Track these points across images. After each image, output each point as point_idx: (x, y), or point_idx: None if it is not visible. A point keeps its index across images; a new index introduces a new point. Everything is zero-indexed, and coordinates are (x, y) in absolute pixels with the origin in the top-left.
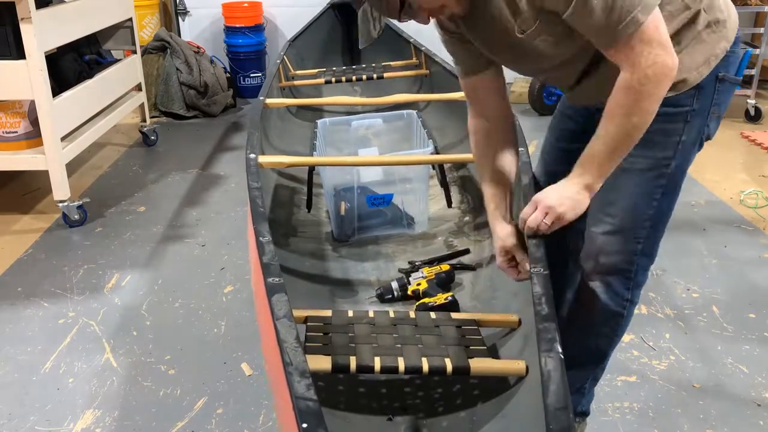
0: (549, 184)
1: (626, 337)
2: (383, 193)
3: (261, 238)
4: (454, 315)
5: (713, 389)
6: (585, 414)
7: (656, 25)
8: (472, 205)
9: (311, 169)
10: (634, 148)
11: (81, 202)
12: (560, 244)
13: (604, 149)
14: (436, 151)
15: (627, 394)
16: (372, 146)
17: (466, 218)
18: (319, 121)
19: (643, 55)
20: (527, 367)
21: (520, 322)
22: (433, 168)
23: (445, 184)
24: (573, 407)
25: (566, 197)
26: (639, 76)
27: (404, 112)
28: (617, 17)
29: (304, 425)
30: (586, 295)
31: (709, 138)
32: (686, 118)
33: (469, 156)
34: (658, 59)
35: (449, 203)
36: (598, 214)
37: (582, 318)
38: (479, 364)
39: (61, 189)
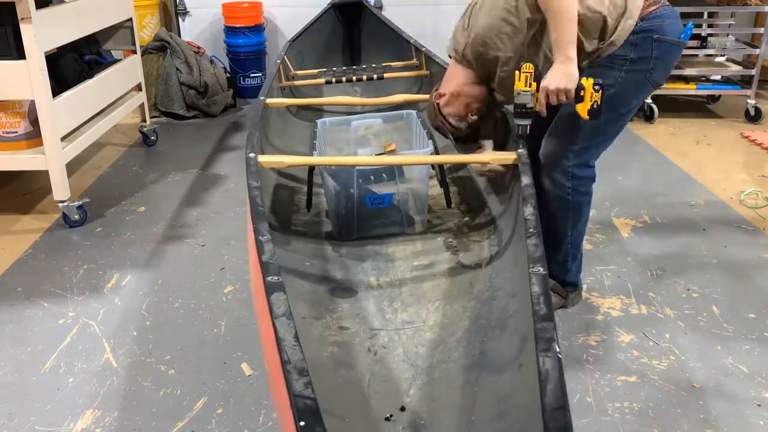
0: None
1: (626, 337)
2: (383, 194)
3: (260, 237)
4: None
5: (713, 389)
6: (575, 285)
7: None
8: (472, 206)
9: (311, 168)
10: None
11: (81, 202)
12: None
13: (555, 32)
14: (436, 151)
15: (627, 394)
16: (372, 146)
17: (466, 219)
18: (318, 121)
19: None
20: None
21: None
22: (433, 168)
23: (444, 184)
24: (561, 279)
25: (558, 74)
26: None
27: (404, 112)
28: None
29: (302, 423)
30: (542, 189)
31: (657, 84)
32: (624, 63)
33: (468, 157)
34: None
35: (449, 203)
36: (551, 130)
37: (542, 209)
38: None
39: (61, 189)
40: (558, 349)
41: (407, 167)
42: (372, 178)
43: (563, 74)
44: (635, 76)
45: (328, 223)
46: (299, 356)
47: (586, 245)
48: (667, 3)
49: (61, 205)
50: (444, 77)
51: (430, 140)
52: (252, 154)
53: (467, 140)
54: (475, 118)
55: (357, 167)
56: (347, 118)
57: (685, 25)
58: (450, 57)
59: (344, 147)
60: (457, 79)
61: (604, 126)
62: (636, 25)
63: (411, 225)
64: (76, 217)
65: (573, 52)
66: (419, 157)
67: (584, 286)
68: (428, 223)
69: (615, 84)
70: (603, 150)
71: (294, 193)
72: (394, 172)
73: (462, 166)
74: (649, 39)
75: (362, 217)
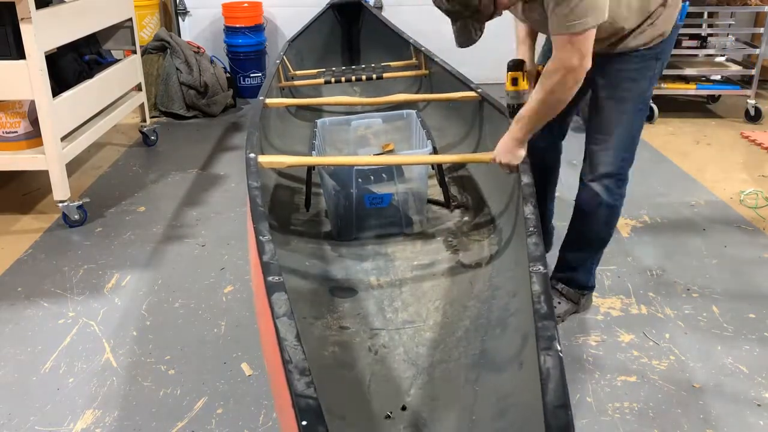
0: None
1: (626, 337)
2: (381, 193)
3: (261, 237)
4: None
5: (713, 389)
6: (593, 288)
7: (588, 38)
8: (472, 205)
9: (310, 168)
10: (624, 82)
11: (81, 202)
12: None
13: (530, 113)
14: (435, 151)
15: (627, 394)
16: (371, 146)
17: (465, 218)
18: (318, 121)
19: (566, 53)
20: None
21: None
22: (432, 168)
23: (443, 184)
24: (584, 284)
25: (502, 149)
26: (557, 66)
27: (404, 111)
28: (571, 17)
29: (304, 422)
30: (589, 196)
31: (650, 114)
32: (657, 57)
33: (468, 156)
34: (574, 62)
35: (448, 203)
36: (597, 136)
37: (587, 213)
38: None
39: (61, 189)
40: (559, 348)
41: (406, 167)
42: (371, 177)
43: (511, 153)
44: (659, 71)
45: (328, 223)
46: (301, 356)
47: None
48: None
49: (61, 205)
50: None
51: (429, 140)
52: (252, 155)
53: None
54: None
55: (356, 167)
56: (347, 118)
57: (683, 5)
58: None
59: (344, 147)
60: None
61: (637, 126)
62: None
63: (410, 225)
64: (76, 217)
65: (527, 137)
66: (418, 156)
67: None
68: (427, 223)
69: (648, 86)
70: None
71: (294, 193)
72: (392, 172)
73: (461, 165)
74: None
75: (361, 216)
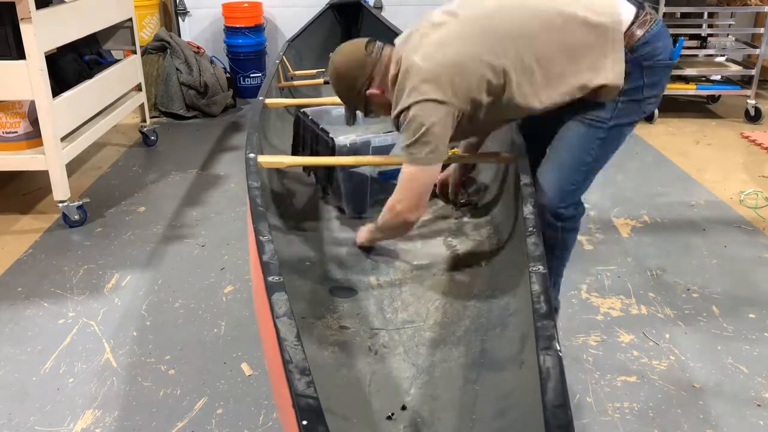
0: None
1: (626, 337)
2: (395, 167)
3: (261, 237)
4: None
5: (713, 389)
6: (557, 309)
7: (426, 178)
8: (472, 205)
9: (332, 149)
10: (582, 107)
11: (81, 202)
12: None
13: (378, 226)
14: None
15: (627, 394)
16: (350, 134)
17: (465, 218)
18: (305, 110)
19: (403, 188)
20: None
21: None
22: None
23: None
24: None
25: (363, 236)
26: (393, 202)
27: None
28: (413, 146)
29: (305, 422)
30: (545, 227)
31: (650, 115)
32: (619, 95)
33: (473, 156)
34: (405, 203)
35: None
36: (546, 160)
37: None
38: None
39: (61, 189)
40: (558, 347)
41: None
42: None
43: (366, 239)
44: (630, 107)
45: (328, 223)
46: (301, 356)
47: (586, 245)
48: (658, 19)
49: (61, 205)
50: None
51: None
52: (252, 155)
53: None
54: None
55: (372, 145)
56: (327, 108)
57: (675, 42)
58: None
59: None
60: None
61: (601, 162)
62: (626, 55)
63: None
64: (76, 217)
65: (378, 238)
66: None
67: (584, 287)
68: (432, 213)
69: (611, 118)
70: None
71: (294, 192)
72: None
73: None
74: (638, 67)
75: (374, 192)
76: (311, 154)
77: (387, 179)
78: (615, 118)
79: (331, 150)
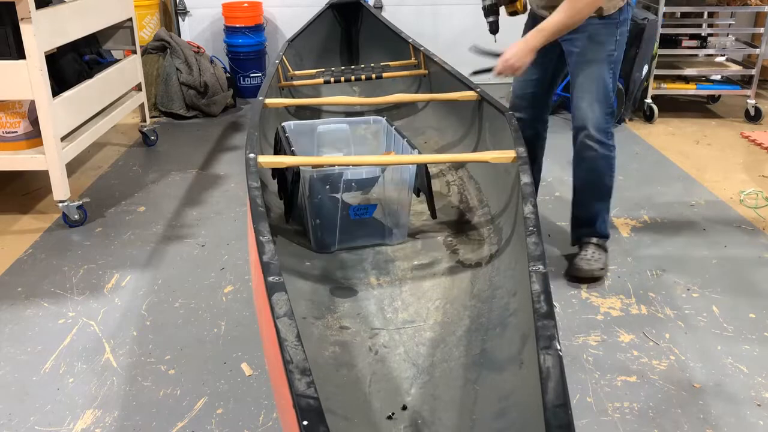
0: (522, 103)
1: (626, 337)
2: (366, 205)
3: (261, 238)
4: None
5: (713, 389)
6: (609, 236)
7: None
8: (471, 204)
9: (296, 176)
10: (595, 45)
11: (81, 202)
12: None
13: (550, 27)
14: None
15: (627, 394)
16: (338, 152)
17: (465, 217)
18: (284, 124)
19: None
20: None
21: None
22: (417, 177)
23: (429, 193)
24: (605, 232)
25: (516, 53)
26: None
27: (370, 118)
28: None
29: (305, 422)
30: (586, 151)
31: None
32: (617, 24)
33: (467, 156)
34: None
35: (433, 213)
36: (579, 95)
37: (589, 169)
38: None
39: (61, 189)
40: (559, 347)
41: (387, 180)
42: (354, 185)
43: (522, 60)
44: (625, 36)
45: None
46: (301, 356)
47: None
48: None
49: (61, 205)
50: None
51: (414, 149)
52: (252, 155)
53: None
54: None
55: (344, 177)
56: (311, 123)
57: None
58: None
59: (311, 150)
60: None
61: (611, 85)
62: None
63: (391, 236)
64: (76, 217)
65: (540, 45)
66: (417, 156)
67: (584, 287)
68: (407, 236)
69: (615, 48)
70: None
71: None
72: (376, 183)
73: (461, 165)
74: (626, 3)
75: (343, 228)
76: (282, 175)
77: (359, 216)
78: (618, 43)
79: (295, 178)
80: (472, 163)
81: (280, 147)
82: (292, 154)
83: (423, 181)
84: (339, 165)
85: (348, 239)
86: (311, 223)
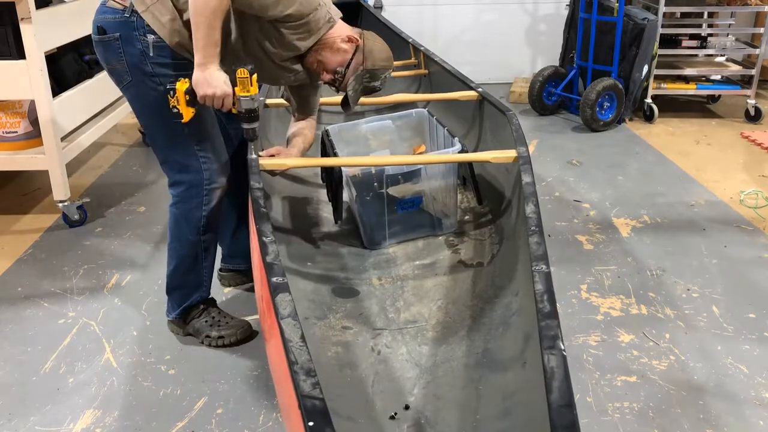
0: None
1: (626, 337)
2: (411, 197)
3: (264, 239)
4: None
5: (713, 389)
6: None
7: None
8: (473, 204)
9: (339, 178)
10: None
11: (81, 202)
12: None
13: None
14: (464, 149)
15: (627, 394)
16: (384, 150)
17: (467, 217)
18: (329, 128)
19: None
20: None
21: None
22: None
23: (474, 181)
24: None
25: (199, 83)
26: None
27: (412, 111)
28: None
29: (311, 423)
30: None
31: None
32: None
33: (469, 156)
34: None
35: (479, 200)
36: None
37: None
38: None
39: (61, 189)
40: (563, 347)
41: (431, 171)
42: (400, 179)
43: (206, 82)
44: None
45: (330, 223)
46: (306, 357)
47: (586, 245)
48: None
49: (61, 205)
50: None
51: (455, 138)
52: (253, 156)
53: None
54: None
55: (386, 173)
56: (355, 122)
57: None
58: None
59: (357, 150)
60: None
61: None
62: None
63: (440, 226)
64: (76, 217)
65: (207, 57)
66: (431, 156)
67: (584, 287)
68: (457, 223)
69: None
70: None
71: (295, 193)
72: (420, 174)
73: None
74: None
75: (392, 222)
76: (330, 177)
77: (406, 209)
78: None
79: (338, 178)
80: (474, 163)
81: (325, 151)
82: (335, 155)
83: (467, 169)
84: (346, 165)
85: (398, 233)
86: (360, 222)
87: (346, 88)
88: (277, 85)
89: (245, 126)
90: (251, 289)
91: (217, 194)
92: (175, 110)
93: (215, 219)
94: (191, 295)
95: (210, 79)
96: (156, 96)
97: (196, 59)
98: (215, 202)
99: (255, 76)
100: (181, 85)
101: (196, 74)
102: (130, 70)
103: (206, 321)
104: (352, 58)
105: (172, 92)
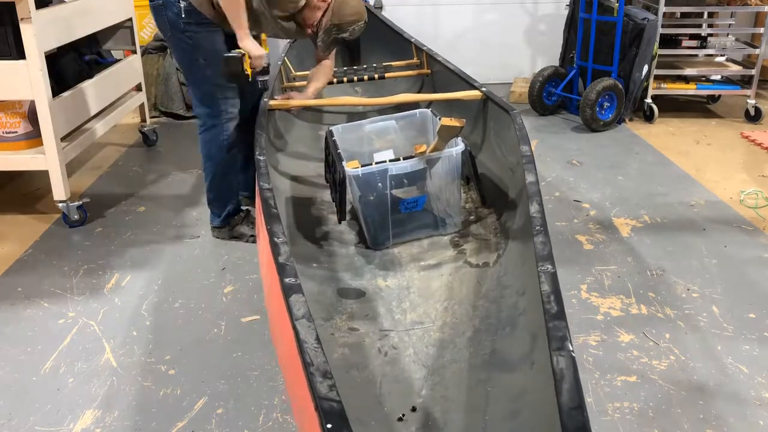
0: None
1: (626, 337)
2: (415, 197)
3: (276, 239)
4: None
5: (713, 389)
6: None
7: None
8: (477, 204)
9: (342, 178)
10: None
11: (81, 202)
12: None
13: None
14: (467, 148)
15: (627, 394)
16: (388, 149)
17: (472, 217)
18: (332, 128)
19: None
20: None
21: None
22: (463, 166)
23: (478, 181)
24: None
25: (250, 50)
26: None
27: (416, 111)
28: None
29: (329, 426)
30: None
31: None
32: None
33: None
34: None
35: (483, 200)
36: None
37: None
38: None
39: (61, 189)
40: (571, 348)
41: (435, 170)
42: (405, 181)
43: (253, 48)
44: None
45: (333, 223)
46: (322, 358)
47: (586, 245)
48: None
49: (61, 205)
50: None
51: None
52: (261, 157)
53: None
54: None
55: (390, 173)
56: (359, 123)
57: None
58: None
59: (359, 150)
60: None
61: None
62: None
63: (444, 225)
64: (76, 217)
65: (244, 31)
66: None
67: (584, 287)
68: (461, 224)
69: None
70: None
71: (298, 193)
72: (424, 175)
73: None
74: None
75: (395, 222)
76: (333, 176)
77: (409, 208)
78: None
79: (342, 180)
80: (478, 163)
81: (329, 151)
82: (339, 156)
83: (470, 168)
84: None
85: (401, 233)
86: (364, 222)
87: (317, 38)
88: (279, 38)
89: (259, 78)
90: (251, 289)
91: (232, 122)
92: (246, 73)
93: (234, 141)
94: (227, 205)
95: (254, 47)
96: (186, 46)
97: (238, 34)
98: (232, 128)
99: (264, 38)
100: (245, 56)
101: (246, 44)
102: (170, 26)
103: (248, 225)
104: (323, 14)
105: (242, 61)
